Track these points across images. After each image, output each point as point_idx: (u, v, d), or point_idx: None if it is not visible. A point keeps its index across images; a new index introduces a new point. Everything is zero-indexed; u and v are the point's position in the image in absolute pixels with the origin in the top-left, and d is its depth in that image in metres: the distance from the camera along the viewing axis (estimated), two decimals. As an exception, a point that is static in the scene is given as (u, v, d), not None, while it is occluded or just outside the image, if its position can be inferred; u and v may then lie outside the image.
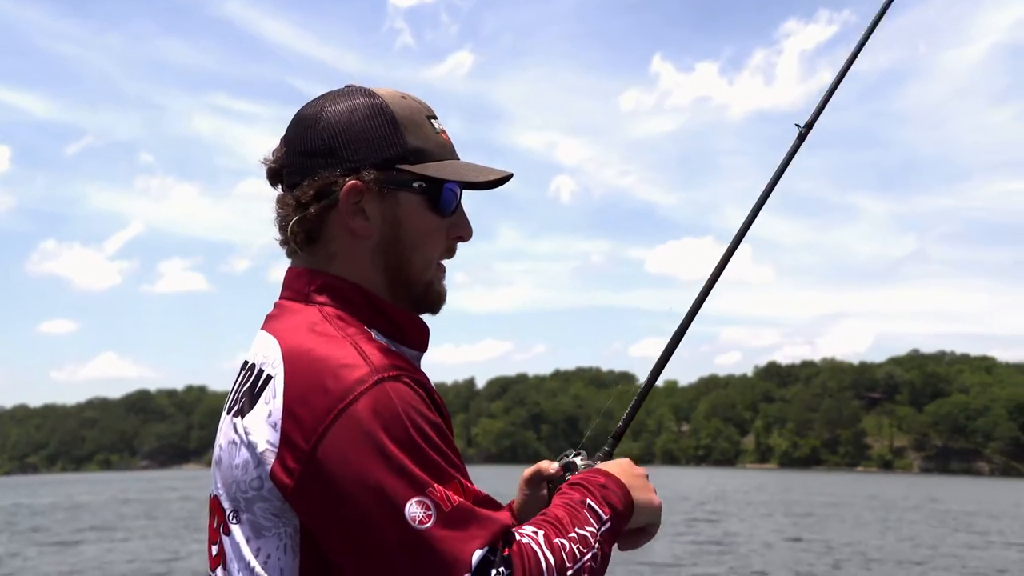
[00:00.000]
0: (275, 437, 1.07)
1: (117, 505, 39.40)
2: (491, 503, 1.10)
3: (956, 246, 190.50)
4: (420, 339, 1.24)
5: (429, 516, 1.03)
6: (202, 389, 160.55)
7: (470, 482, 1.10)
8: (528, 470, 1.40)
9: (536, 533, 1.10)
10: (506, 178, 1.26)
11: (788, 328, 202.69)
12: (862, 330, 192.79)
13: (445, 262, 1.28)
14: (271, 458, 1.07)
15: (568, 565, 1.09)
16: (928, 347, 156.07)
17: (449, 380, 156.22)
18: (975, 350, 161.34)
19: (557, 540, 1.11)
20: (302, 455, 1.05)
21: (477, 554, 1.03)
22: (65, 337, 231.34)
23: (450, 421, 1.17)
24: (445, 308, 1.27)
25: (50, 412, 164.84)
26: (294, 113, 1.25)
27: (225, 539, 1.14)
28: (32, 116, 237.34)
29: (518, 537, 1.09)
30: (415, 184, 1.19)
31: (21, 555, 19.42)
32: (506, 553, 1.05)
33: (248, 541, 1.11)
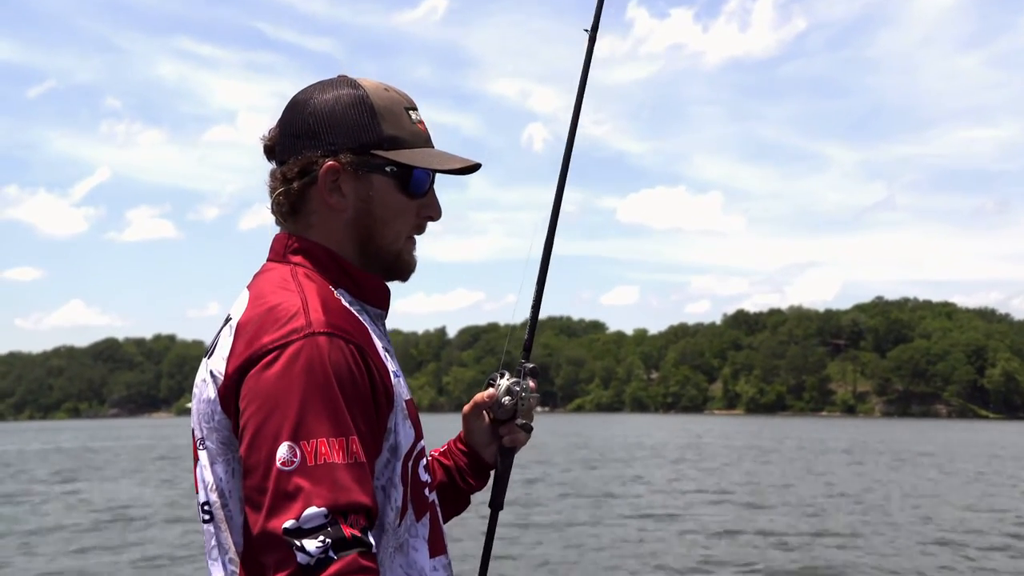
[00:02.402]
0: (223, 369, 1.25)
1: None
2: (362, 478, 1.17)
3: (922, 194, 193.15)
4: (380, 299, 1.41)
5: (292, 462, 1.14)
6: (171, 338, 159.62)
7: (362, 452, 1.18)
8: (467, 406, 1.59)
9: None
10: (473, 167, 1.42)
11: (757, 277, 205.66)
12: (830, 278, 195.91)
13: (418, 238, 1.44)
14: (219, 391, 1.25)
15: None
16: (893, 294, 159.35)
17: (420, 329, 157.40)
18: (938, 296, 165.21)
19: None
20: (232, 385, 1.23)
21: (311, 510, 1.11)
22: (30, 284, 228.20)
23: (388, 388, 1.27)
24: (417, 257, 1.43)
25: (15, 360, 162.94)
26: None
27: (197, 464, 1.31)
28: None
29: (367, 541, 1.15)
30: (387, 168, 1.35)
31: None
32: (345, 534, 1.12)
33: (209, 465, 1.27)
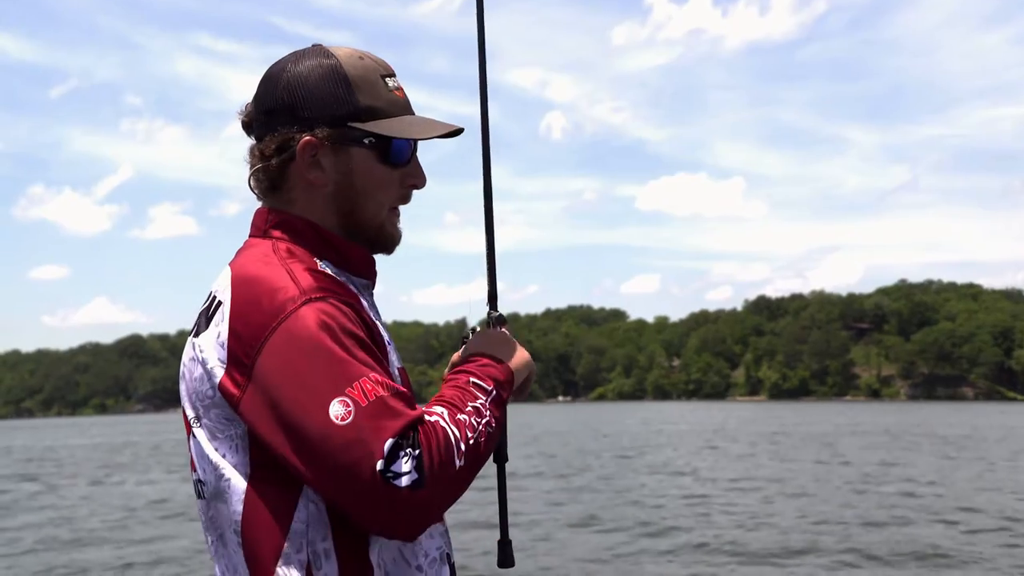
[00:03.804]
0: (223, 354, 1.24)
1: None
2: (406, 398, 1.23)
3: (946, 175, 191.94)
4: (366, 268, 1.40)
5: (349, 413, 1.17)
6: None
7: (390, 380, 1.23)
8: (445, 371, 1.56)
9: (443, 412, 1.26)
10: (454, 132, 1.40)
11: (779, 262, 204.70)
12: (853, 262, 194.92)
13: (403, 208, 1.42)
14: (220, 373, 1.24)
15: (470, 435, 1.25)
16: (917, 277, 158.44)
17: (441, 320, 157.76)
18: (962, 278, 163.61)
19: (460, 416, 1.27)
20: (245, 369, 1.22)
21: (389, 442, 1.16)
22: (56, 283, 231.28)
23: (382, 341, 1.32)
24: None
25: (43, 357, 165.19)
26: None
27: (192, 442, 1.31)
28: (10, 57, 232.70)
29: (427, 418, 1.23)
30: (365, 140, 1.33)
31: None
32: (411, 436, 1.19)
33: (208, 441, 1.28)
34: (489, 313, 1.59)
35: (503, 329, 1.54)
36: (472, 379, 1.35)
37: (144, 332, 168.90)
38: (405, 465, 1.16)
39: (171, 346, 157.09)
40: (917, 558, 9.56)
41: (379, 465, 1.15)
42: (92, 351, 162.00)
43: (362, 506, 1.18)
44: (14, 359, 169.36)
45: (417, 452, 1.18)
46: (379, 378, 1.21)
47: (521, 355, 1.46)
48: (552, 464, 21.42)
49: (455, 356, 1.53)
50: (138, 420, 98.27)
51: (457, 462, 1.22)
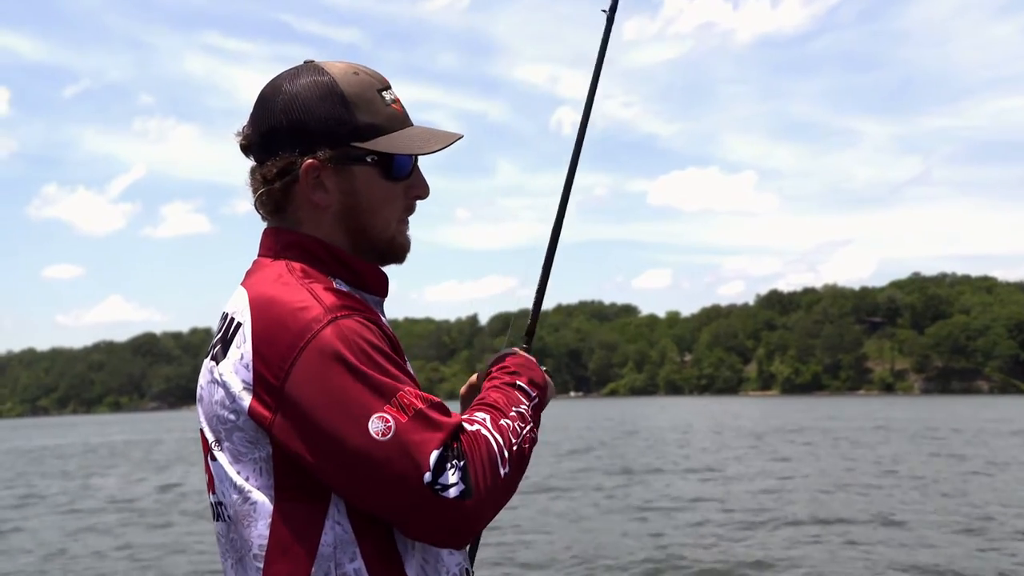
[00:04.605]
0: (248, 376, 1.22)
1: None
2: (442, 408, 1.23)
3: (959, 166, 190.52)
4: (379, 286, 1.40)
5: (389, 428, 1.17)
6: (207, 331, 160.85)
7: (422, 391, 1.23)
8: (464, 387, 1.56)
9: (484, 419, 1.26)
10: (455, 140, 1.39)
11: (791, 256, 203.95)
12: (865, 255, 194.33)
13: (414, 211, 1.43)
14: (248, 396, 1.22)
15: (514, 441, 1.26)
16: (930, 269, 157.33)
17: (452, 317, 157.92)
18: (977, 270, 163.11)
19: (503, 421, 1.27)
20: (274, 390, 1.20)
21: (434, 455, 1.16)
22: (70, 281, 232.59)
23: (403, 354, 1.31)
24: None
25: (58, 356, 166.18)
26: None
27: (212, 464, 1.30)
28: (23, 58, 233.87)
29: (468, 427, 1.23)
30: (367, 158, 1.32)
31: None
32: (456, 446, 1.19)
33: (231, 464, 1.26)
34: (524, 349, 1.58)
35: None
36: (518, 382, 1.37)
37: (158, 330, 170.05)
38: (452, 476, 1.17)
39: (184, 344, 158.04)
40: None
41: (427, 477, 1.16)
42: (106, 349, 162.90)
43: (412, 518, 1.18)
44: (29, 358, 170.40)
45: (463, 463, 1.18)
46: (414, 391, 1.21)
47: (547, 376, 1.48)
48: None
49: (476, 377, 1.51)
50: (153, 418, 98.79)
51: (502, 470, 1.22)
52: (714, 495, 14.32)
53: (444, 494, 1.16)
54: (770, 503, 13.32)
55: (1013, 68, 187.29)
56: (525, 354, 1.48)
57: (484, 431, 1.23)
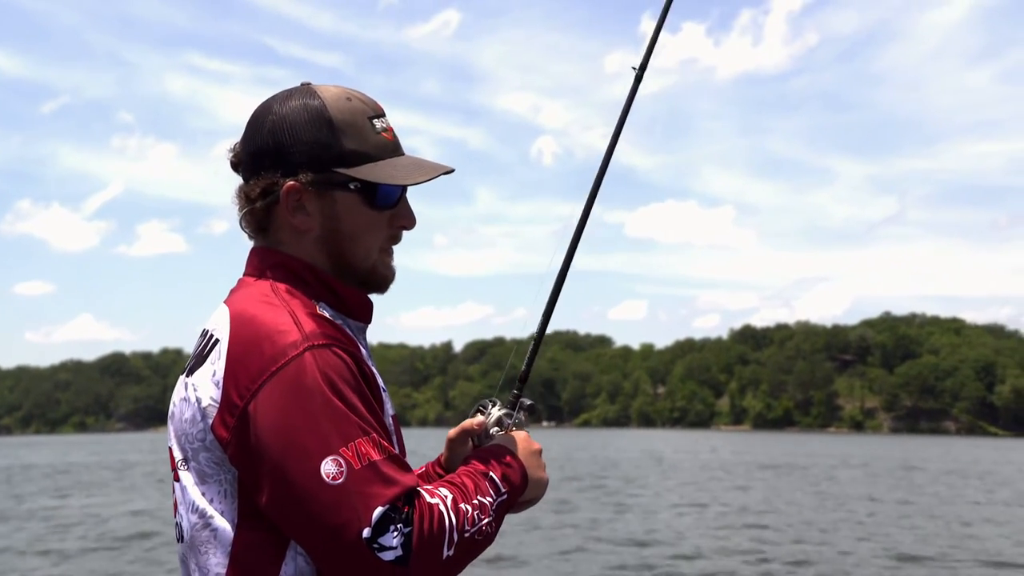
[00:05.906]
0: (217, 394, 1.21)
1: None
2: (401, 464, 1.20)
3: (933, 208, 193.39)
4: (363, 312, 1.38)
5: (341, 473, 1.14)
6: (178, 352, 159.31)
7: (388, 443, 1.20)
8: (453, 430, 1.52)
9: (446, 496, 1.22)
10: (443, 174, 1.37)
11: (767, 291, 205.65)
12: (840, 293, 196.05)
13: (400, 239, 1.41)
14: (213, 413, 1.21)
15: (468, 528, 1.22)
16: (902, 309, 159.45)
17: (427, 343, 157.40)
18: (946, 311, 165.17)
19: (463, 505, 1.23)
20: (237, 411, 1.19)
21: (378, 511, 1.13)
22: (41, 298, 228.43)
23: (379, 391, 1.29)
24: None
25: (23, 374, 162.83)
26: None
27: (176, 485, 1.28)
28: (1, 74, 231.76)
29: (429, 498, 1.20)
30: (351, 185, 1.31)
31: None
32: (406, 511, 1.15)
33: (195, 485, 1.24)
34: (516, 395, 1.53)
35: (523, 417, 1.51)
36: (491, 473, 1.32)
37: (128, 350, 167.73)
38: (393, 539, 1.14)
39: (154, 364, 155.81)
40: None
41: (366, 532, 1.13)
42: (73, 368, 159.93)
43: (341, 569, 1.15)
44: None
45: (408, 530, 1.15)
46: (376, 439, 1.18)
47: (542, 475, 1.43)
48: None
49: (468, 423, 1.49)
50: (120, 439, 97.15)
51: (446, 551, 1.18)
52: (693, 529, 14.36)
53: (380, 555, 1.13)
54: (747, 542, 13.37)
55: (987, 114, 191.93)
56: (513, 449, 1.40)
57: (442, 508, 1.20)
